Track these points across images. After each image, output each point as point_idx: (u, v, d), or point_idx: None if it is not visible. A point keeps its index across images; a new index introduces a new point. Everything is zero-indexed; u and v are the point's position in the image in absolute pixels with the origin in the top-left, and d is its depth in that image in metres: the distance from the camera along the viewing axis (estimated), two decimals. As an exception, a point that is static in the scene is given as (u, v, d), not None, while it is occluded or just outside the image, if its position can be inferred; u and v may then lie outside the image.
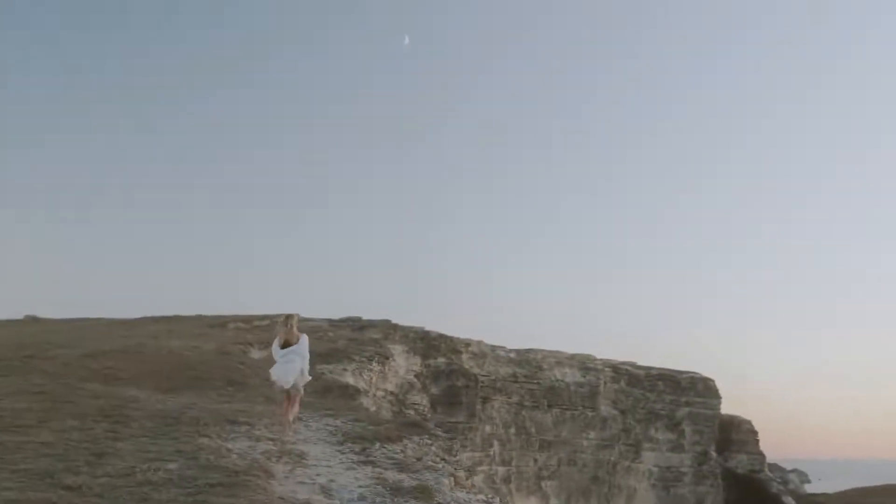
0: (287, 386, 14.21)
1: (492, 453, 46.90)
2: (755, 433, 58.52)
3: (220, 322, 35.49)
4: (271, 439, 13.60)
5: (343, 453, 13.10)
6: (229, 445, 12.67)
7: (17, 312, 45.08)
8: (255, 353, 26.69)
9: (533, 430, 49.70)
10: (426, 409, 38.02)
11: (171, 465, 10.72)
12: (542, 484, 49.48)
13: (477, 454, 44.49)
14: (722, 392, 57.04)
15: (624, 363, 55.32)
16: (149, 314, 40.88)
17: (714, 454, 55.92)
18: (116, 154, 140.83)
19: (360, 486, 10.74)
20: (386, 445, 13.65)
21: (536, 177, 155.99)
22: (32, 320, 42.18)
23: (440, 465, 13.12)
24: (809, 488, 64.19)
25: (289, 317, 14.67)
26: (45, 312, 44.39)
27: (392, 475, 11.78)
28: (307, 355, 14.35)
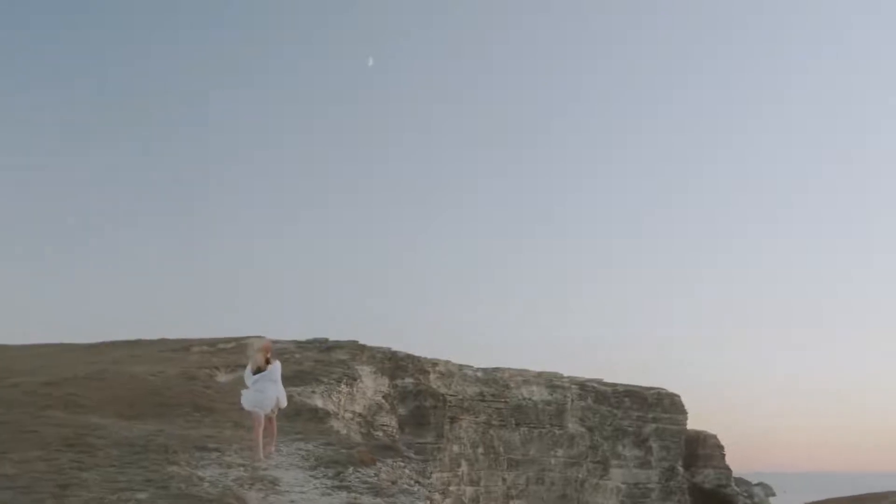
0: (263, 413, 13.90)
1: (460, 473, 46.63)
2: (721, 448, 58.87)
3: (183, 346, 34.98)
4: (242, 465, 13.34)
5: (317, 478, 12.89)
6: (200, 473, 12.40)
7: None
8: (222, 377, 26.32)
9: (501, 449, 49.52)
10: (395, 431, 37.70)
11: (141, 496, 10.45)
12: (511, 503, 49.25)
13: (445, 474, 44.20)
14: (687, 407, 57.40)
15: (590, 380, 55.41)
16: (110, 339, 40.25)
17: (681, 469, 56.13)
18: (76, 175, 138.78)
19: (336, 513, 10.56)
20: (360, 469, 13.45)
21: (504, 191, 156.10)
22: (-10, 347, 41.31)
23: (415, 489, 12.97)
24: (774, 501, 64.64)
25: (259, 339, 14.70)
26: (4, 339, 43.64)
27: (368, 500, 11.61)
28: (279, 381, 14.12)
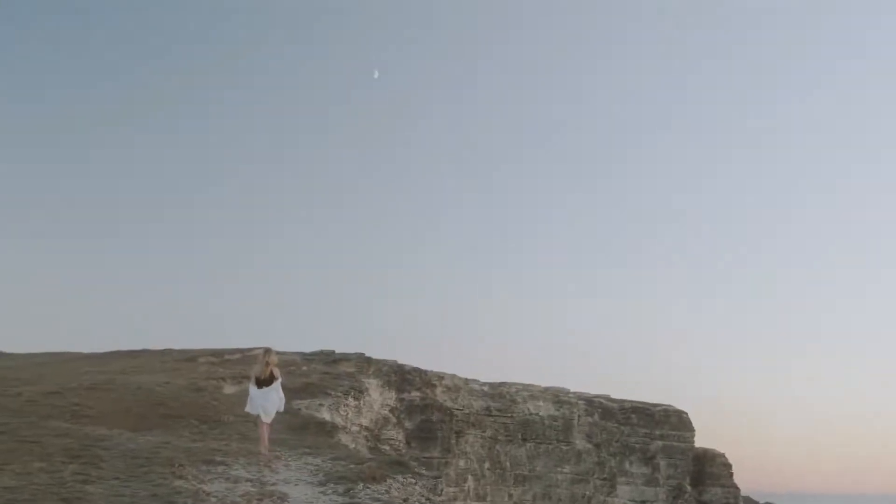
0: (268, 420, 15.25)
1: (466, 488, 46.15)
2: (729, 466, 58.18)
3: (190, 356, 34.64)
4: (249, 480, 13.03)
5: (326, 494, 12.56)
6: (206, 487, 12.09)
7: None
8: (228, 389, 25.98)
9: (507, 464, 49.03)
10: (401, 445, 37.29)
11: (147, 511, 10.13)
12: (517, 519, 48.70)
13: (451, 489, 43.74)
14: (696, 424, 56.81)
15: (597, 396, 54.88)
16: (116, 348, 39.97)
17: (689, 488, 55.49)
18: (82, 183, 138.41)
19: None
20: (370, 486, 13.12)
21: (505, 204, 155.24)
22: (-4, 355, 41.06)
23: (427, 507, 12.63)
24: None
25: (266, 352, 15.16)
26: (9, 347, 43.32)
27: (379, 518, 11.27)
28: (280, 389, 15.46)
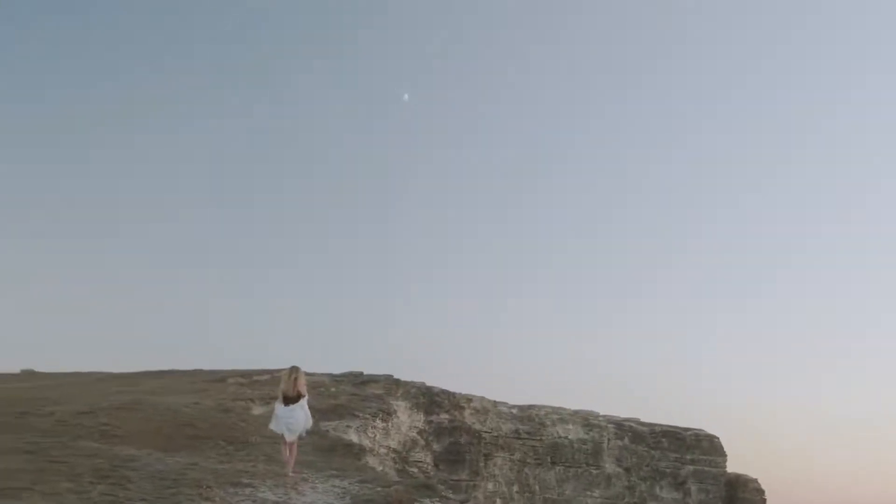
0: (291, 438, 15.16)
1: (494, 512, 45.81)
2: (762, 492, 57.27)
3: (219, 377, 34.76)
4: (276, 503, 12.95)
5: (353, 518, 12.45)
6: (233, 510, 12.02)
7: (15, 366, 44.57)
8: (257, 410, 25.98)
9: (536, 487, 48.64)
10: (430, 467, 37.11)
11: (174, 533, 10.07)
12: (546, 544, 48.21)
13: (480, 513, 43.46)
14: (727, 449, 56.04)
15: (627, 420, 54.42)
16: (145, 368, 40.24)
17: (721, 513, 54.73)
18: (107, 202, 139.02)
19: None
20: (397, 509, 13.00)
21: (534, 224, 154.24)
22: (29, 374, 41.48)
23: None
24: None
25: (293, 370, 15.19)
26: (43, 366, 43.76)
27: (407, 543, 11.13)
28: (307, 408, 15.33)
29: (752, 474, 58.27)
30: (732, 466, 57.24)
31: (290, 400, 15.00)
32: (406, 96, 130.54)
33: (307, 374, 17.21)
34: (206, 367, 39.86)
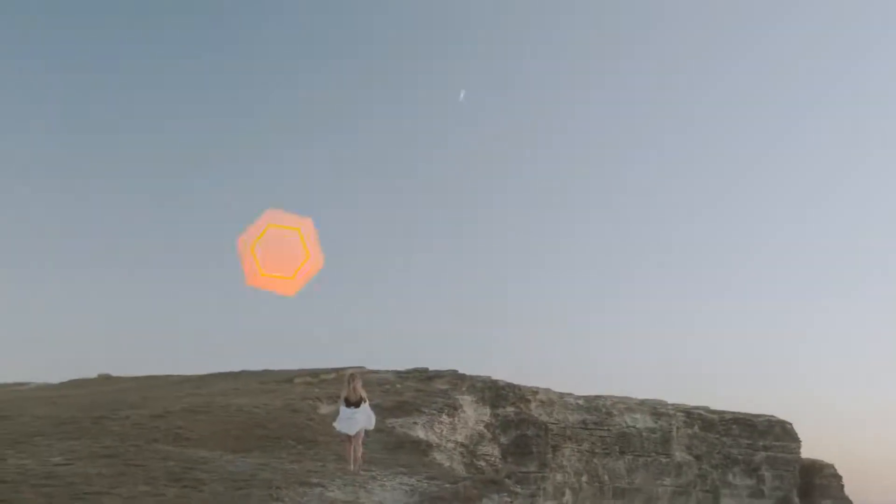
0: (352, 432, 15.98)
1: (564, 502, 45.70)
2: (839, 477, 56.06)
3: (287, 377, 35.30)
4: (346, 502, 13.15)
5: (421, 515, 12.58)
6: (304, 510, 12.24)
7: (92, 371, 45.99)
8: (324, 409, 26.33)
9: (606, 477, 48.37)
10: (497, 460, 37.13)
11: (246, 535, 10.31)
12: (618, 533, 47.96)
13: (550, 503, 43.40)
14: (801, 435, 55.01)
15: (696, 407, 53.79)
16: (216, 370, 41.02)
17: (797, 500, 53.76)
18: (175, 215, 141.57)
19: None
20: (464, 506, 13.09)
21: (601, 213, 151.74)
22: (106, 379, 42.68)
23: (523, 527, 12.50)
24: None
25: (352, 377, 15.82)
26: (118, 370, 45.03)
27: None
28: (372, 414, 16.43)
29: (829, 460, 57.10)
30: (808, 452, 56.29)
31: (352, 403, 15.68)
32: (462, 94, 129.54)
33: (372, 372, 17.58)
34: (274, 367, 40.51)
